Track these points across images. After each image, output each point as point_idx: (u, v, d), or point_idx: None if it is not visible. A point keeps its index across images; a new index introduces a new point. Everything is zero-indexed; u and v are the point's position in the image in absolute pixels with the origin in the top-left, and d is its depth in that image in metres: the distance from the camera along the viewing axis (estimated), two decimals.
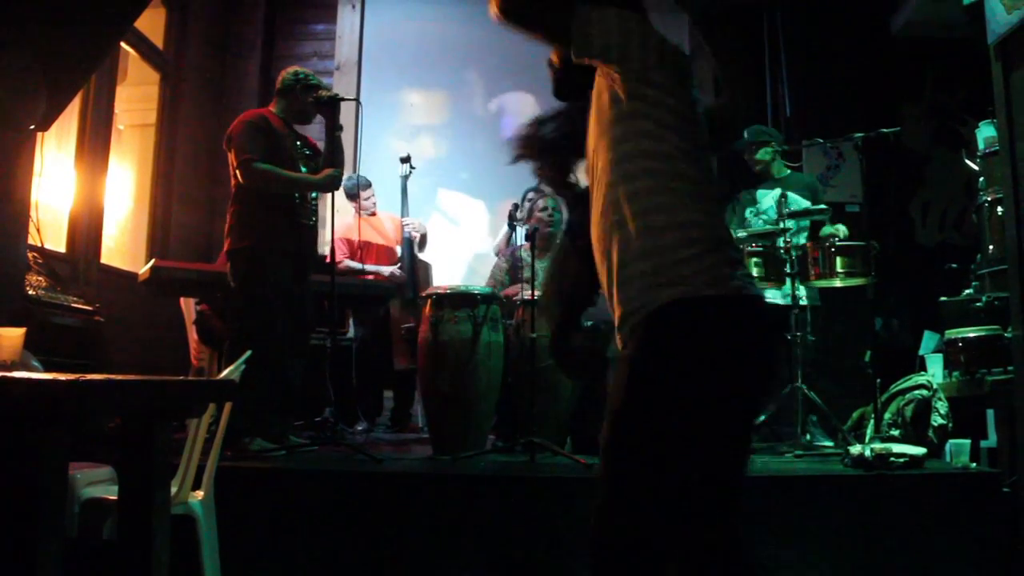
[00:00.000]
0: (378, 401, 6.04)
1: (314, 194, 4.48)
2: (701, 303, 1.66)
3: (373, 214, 6.12)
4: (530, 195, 5.67)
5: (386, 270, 5.80)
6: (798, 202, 5.00)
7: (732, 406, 1.69)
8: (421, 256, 5.99)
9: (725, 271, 1.69)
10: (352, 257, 5.80)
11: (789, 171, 5.36)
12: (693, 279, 1.66)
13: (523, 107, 7.07)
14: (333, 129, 4.43)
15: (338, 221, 5.83)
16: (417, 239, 5.94)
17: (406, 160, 5.84)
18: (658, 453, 1.67)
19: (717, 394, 1.67)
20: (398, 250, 5.92)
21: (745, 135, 5.29)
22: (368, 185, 6.09)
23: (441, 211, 7.29)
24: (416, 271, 5.84)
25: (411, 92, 7.36)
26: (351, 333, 5.98)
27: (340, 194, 4.84)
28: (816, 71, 6.82)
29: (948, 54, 6.47)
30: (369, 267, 5.81)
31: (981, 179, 4.80)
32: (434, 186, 7.20)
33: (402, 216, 5.92)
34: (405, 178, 5.87)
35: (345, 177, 5.82)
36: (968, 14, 4.43)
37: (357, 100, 4.64)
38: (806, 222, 5.02)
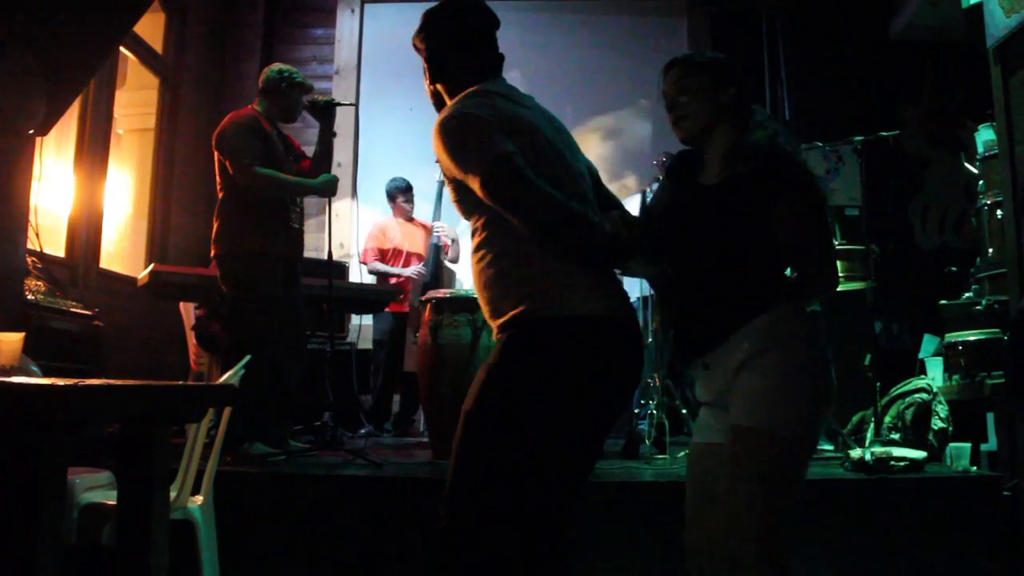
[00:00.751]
0: (387, 405, 6.06)
1: (300, 199, 4.43)
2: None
3: (411, 219, 6.17)
4: None
5: (410, 270, 5.84)
6: None
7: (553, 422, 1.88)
8: (449, 265, 6.02)
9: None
10: (383, 260, 5.90)
11: None
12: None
13: None
14: (328, 134, 4.41)
15: (370, 221, 5.87)
16: (447, 245, 5.96)
17: None
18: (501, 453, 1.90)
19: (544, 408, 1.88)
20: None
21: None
22: (409, 188, 6.13)
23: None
24: (440, 275, 5.85)
25: (410, 96, 7.35)
26: (351, 337, 6.00)
27: (343, 203, 4.84)
28: (815, 74, 6.82)
29: (947, 57, 6.47)
30: (395, 270, 5.87)
31: (980, 182, 4.80)
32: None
33: (433, 221, 5.95)
34: (442, 183, 5.86)
35: (389, 178, 5.85)
36: (967, 17, 4.44)
37: (354, 104, 4.66)
38: None
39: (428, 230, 6.00)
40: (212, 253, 4.17)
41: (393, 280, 5.91)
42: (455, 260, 6.13)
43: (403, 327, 5.80)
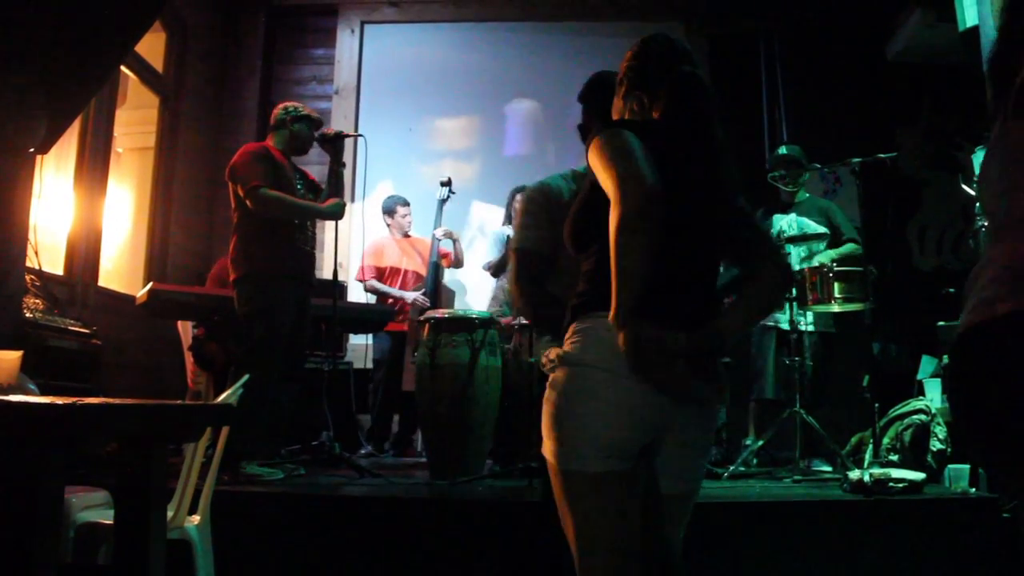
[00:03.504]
0: (387, 425, 6.04)
1: (311, 223, 4.54)
2: None
3: (407, 235, 6.17)
4: (518, 197, 5.76)
5: (410, 296, 5.82)
6: (811, 227, 5.03)
7: None
8: (446, 282, 6.02)
9: None
10: (380, 278, 5.88)
11: (808, 195, 5.36)
12: None
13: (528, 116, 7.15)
14: (337, 164, 4.58)
15: (368, 237, 5.89)
16: (448, 254, 5.96)
17: (447, 184, 5.86)
18: None
19: None
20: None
21: (784, 151, 5.33)
22: (406, 203, 6.15)
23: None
24: (439, 296, 5.84)
25: (409, 117, 7.39)
26: (348, 356, 5.99)
27: (343, 222, 4.88)
28: (813, 96, 6.85)
29: (944, 79, 6.50)
30: (394, 291, 5.86)
31: (978, 204, 4.81)
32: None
33: (434, 229, 5.93)
34: (443, 201, 5.88)
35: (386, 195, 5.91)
36: (964, 40, 4.46)
37: (361, 135, 4.82)
38: (821, 245, 5.04)
39: (427, 246, 5.99)
40: (231, 278, 4.30)
41: (391, 300, 5.90)
42: (460, 265, 6.13)
43: (402, 346, 5.78)
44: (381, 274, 5.98)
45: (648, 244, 1.61)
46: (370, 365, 6.11)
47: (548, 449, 1.80)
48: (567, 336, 1.83)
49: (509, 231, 5.74)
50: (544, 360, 1.94)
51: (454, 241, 5.99)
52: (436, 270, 5.86)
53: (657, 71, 1.94)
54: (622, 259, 1.61)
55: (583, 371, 1.75)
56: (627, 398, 1.70)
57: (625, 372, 1.66)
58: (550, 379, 1.83)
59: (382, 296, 5.91)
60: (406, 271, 6.02)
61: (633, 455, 1.76)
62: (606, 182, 1.71)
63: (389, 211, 6.16)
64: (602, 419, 1.71)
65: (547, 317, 2.38)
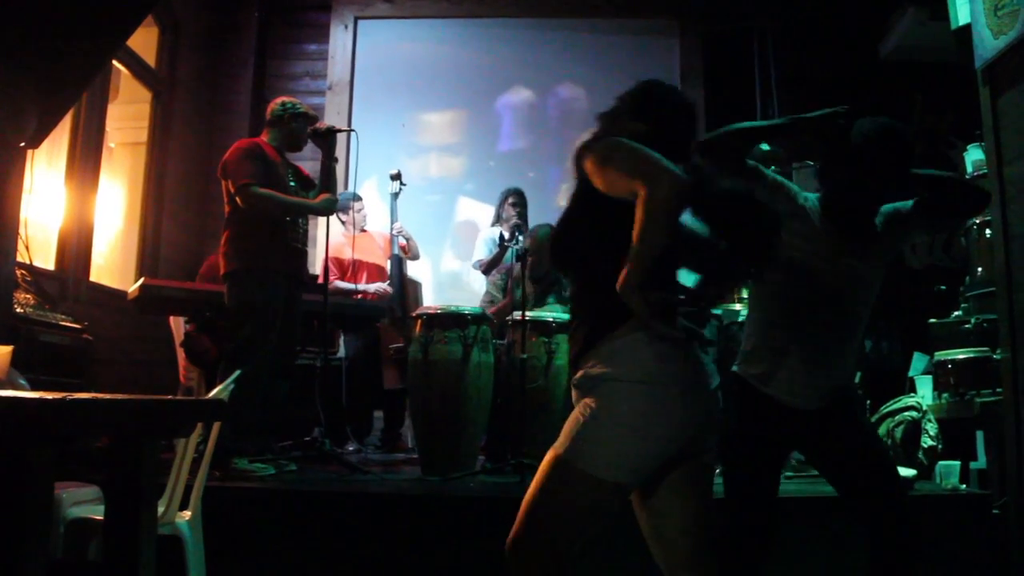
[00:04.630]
0: (367, 421, 6.00)
1: (302, 219, 4.53)
2: None
3: (364, 230, 6.13)
4: (511, 199, 5.77)
5: (372, 287, 5.78)
6: None
7: None
8: (411, 275, 6.00)
9: None
10: (343, 276, 5.80)
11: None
12: None
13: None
14: (328, 160, 4.57)
15: (329, 240, 5.85)
16: (405, 247, 5.93)
17: (396, 177, 5.85)
18: None
19: None
20: (388, 267, 5.92)
21: (767, 147, 5.34)
22: (358, 199, 6.10)
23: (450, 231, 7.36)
24: (405, 289, 5.83)
25: (402, 112, 7.39)
26: (341, 352, 5.96)
27: (334, 217, 4.88)
28: (806, 94, 6.85)
29: (937, 78, 6.50)
30: (359, 286, 5.81)
31: None
32: (428, 204, 7.22)
33: (392, 223, 5.91)
34: (395, 195, 5.86)
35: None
36: (956, 38, 4.47)
37: (353, 131, 4.79)
38: None
39: (387, 239, 5.94)
40: (220, 272, 4.29)
41: (358, 296, 5.81)
42: (416, 257, 6.12)
43: (375, 343, 5.75)
44: (344, 271, 5.88)
45: (669, 232, 1.79)
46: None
47: (566, 447, 1.87)
48: (601, 352, 1.90)
49: (503, 231, 5.77)
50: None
51: (407, 238, 5.98)
52: (399, 263, 5.85)
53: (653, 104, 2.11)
54: (644, 241, 1.77)
55: (632, 387, 1.84)
56: (671, 414, 1.84)
57: (664, 382, 1.84)
58: (594, 396, 1.89)
59: (349, 294, 5.79)
60: (369, 264, 5.94)
61: (650, 473, 1.90)
62: (622, 179, 1.84)
63: (343, 208, 6.05)
64: (640, 434, 1.83)
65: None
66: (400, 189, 5.88)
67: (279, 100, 4.61)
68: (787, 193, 2.57)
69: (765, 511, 2.54)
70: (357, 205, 6.08)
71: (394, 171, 5.89)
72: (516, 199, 5.85)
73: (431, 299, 6.60)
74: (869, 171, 2.47)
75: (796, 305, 2.49)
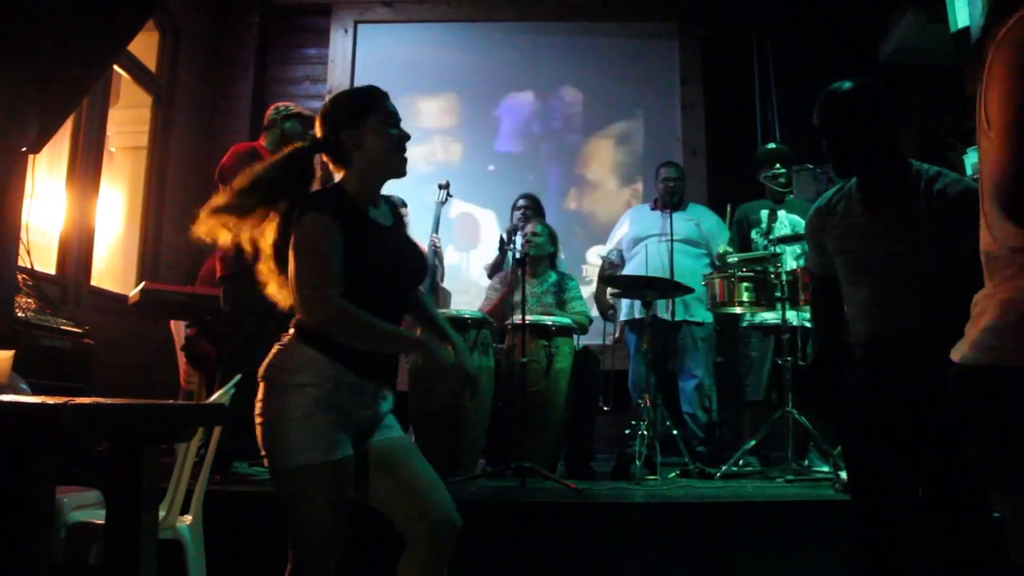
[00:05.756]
0: None
1: None
2: None
3: None
4: (521, 202, 5.77)
5: None
6: (803, 226, 5.05)
7: None
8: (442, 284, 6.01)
9: None
10: None
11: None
12: None
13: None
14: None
15: None
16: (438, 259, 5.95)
17: (444, 187, 5.81)
18: None
19: None
20: None
21: (774, 146, 5.36)
22: (403, 205, 6.12)
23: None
24: (437, 297, 5.84)
25: (401, 115, 7.37)
26: None
27: None
28: (805, 96, 6.84)
29: (936, 80, 6.53)
30: None
31: None
32: (427, 206, 7.21)
33: (432, 234, 5.88)
34: (441, 204, 5.83)
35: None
36: (955, 41, 4.48)
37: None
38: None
39: (423, 249, 5.95)
40: (218, 275, 4.29)
41: None
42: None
43: None
44: None
45: None
46: None
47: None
48: None
49: (502, 235, 5.78)
50: None
51: (436, 249, 5.98)
52: (433, 272, 5.85)
53: None
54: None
55: None
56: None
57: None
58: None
59: None
60: None
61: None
62: None
63: None
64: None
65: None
66: (447, 199, 5.87)
67: (273, 105, 4.69)
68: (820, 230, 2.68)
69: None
70: (402, 211, 6.10)
71: (443, 181, 5.88)
72: (525, 202, 5.85)
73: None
74: (826, 138, 2.49)
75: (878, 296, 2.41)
